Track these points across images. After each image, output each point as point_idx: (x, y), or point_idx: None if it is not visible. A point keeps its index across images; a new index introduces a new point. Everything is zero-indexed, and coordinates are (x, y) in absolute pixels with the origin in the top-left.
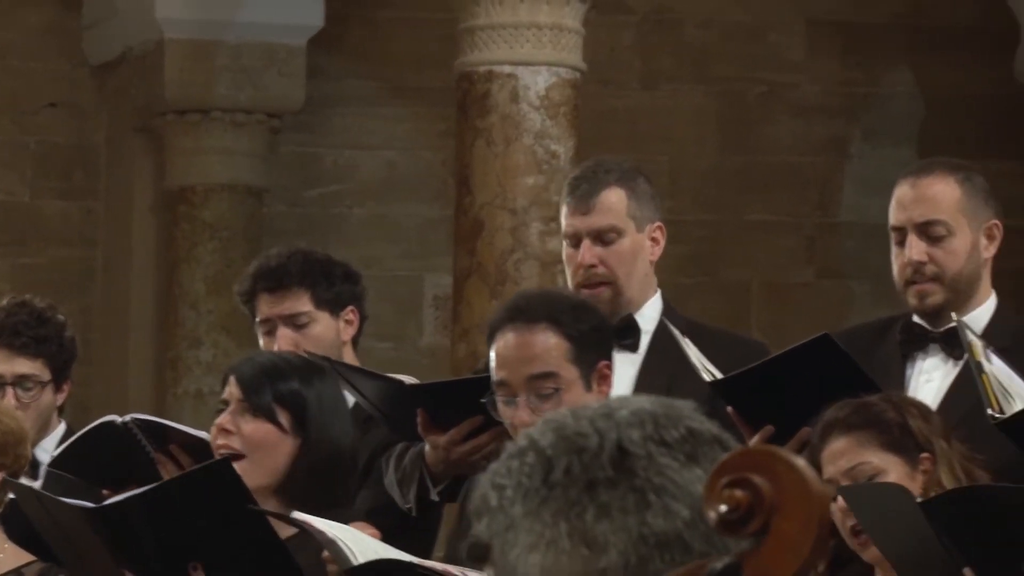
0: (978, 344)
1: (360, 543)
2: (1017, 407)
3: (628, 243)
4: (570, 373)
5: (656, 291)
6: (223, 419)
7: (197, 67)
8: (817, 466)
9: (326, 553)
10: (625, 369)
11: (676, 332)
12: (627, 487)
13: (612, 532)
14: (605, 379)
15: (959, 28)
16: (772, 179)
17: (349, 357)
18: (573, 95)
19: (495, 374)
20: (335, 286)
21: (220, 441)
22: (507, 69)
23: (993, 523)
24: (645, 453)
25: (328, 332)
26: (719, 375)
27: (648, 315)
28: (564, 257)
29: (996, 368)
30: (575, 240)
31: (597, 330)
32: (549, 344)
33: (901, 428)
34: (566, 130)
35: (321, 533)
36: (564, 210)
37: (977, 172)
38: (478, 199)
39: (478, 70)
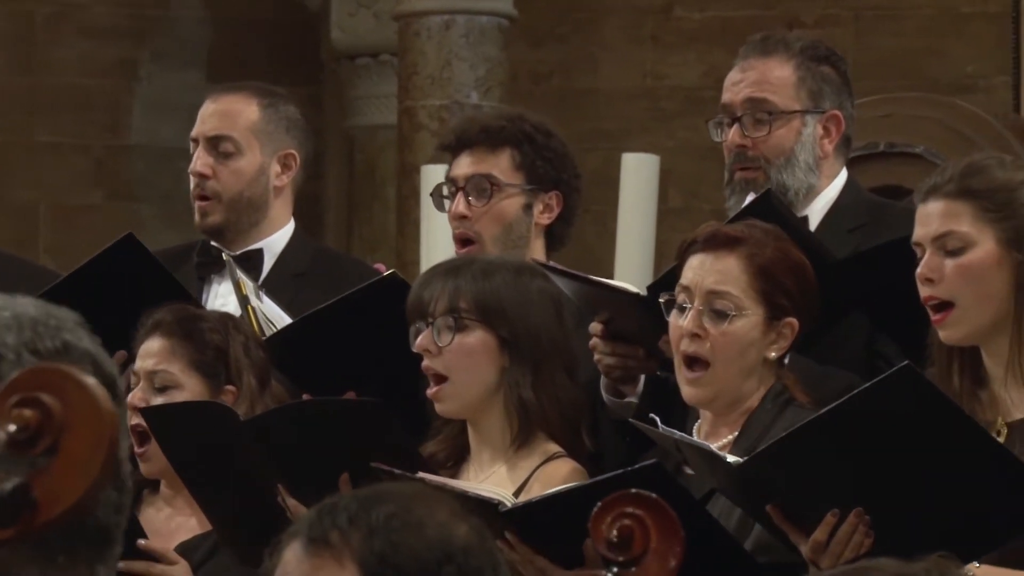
0: (247, 284)
1: None
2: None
3: None
4: None
5: None
6: None
7: None
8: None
9: None
10: None
11: None
12: None
13: None
14: None
15: None
16: (60, 101)
17: None
18: None
19: None
20: None
21: None
22: None
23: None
24: (15, 358)
25: None
26: None
27: None
28: None
29: (264, 306)
30: None
31: None
32: None
33: (217, 352)
34: None
35: None
36: None
37: (288, 102)
38: None
39: None
